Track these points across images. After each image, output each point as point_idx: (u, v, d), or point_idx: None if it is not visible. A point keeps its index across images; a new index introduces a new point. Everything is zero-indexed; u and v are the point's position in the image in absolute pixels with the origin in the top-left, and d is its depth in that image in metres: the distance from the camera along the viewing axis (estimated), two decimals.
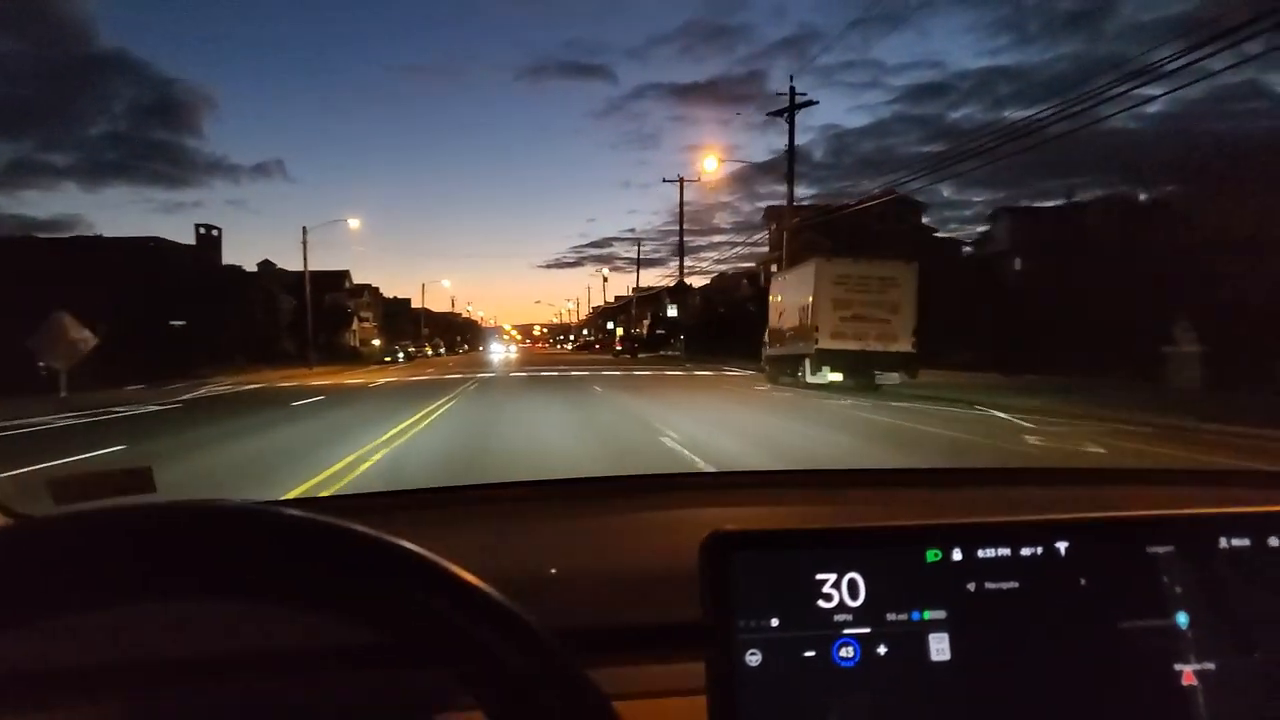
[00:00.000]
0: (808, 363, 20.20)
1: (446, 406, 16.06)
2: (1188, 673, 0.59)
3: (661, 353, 56.48)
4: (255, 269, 53.40)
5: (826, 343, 19.51)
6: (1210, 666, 0.59)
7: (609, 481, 1.42)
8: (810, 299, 19.93)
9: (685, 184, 44.06)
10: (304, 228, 40.92)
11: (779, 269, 29.20)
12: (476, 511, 1.30)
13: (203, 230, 51.46)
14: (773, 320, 24.18)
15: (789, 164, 28.46)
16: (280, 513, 0.42)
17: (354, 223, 43.32)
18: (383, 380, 28.26)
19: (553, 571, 0.93)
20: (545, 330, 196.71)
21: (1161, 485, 1.59)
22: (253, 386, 25.11)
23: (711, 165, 35.34)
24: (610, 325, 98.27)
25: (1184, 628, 0.60)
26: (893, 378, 19.23)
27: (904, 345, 19.28)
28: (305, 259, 41.30)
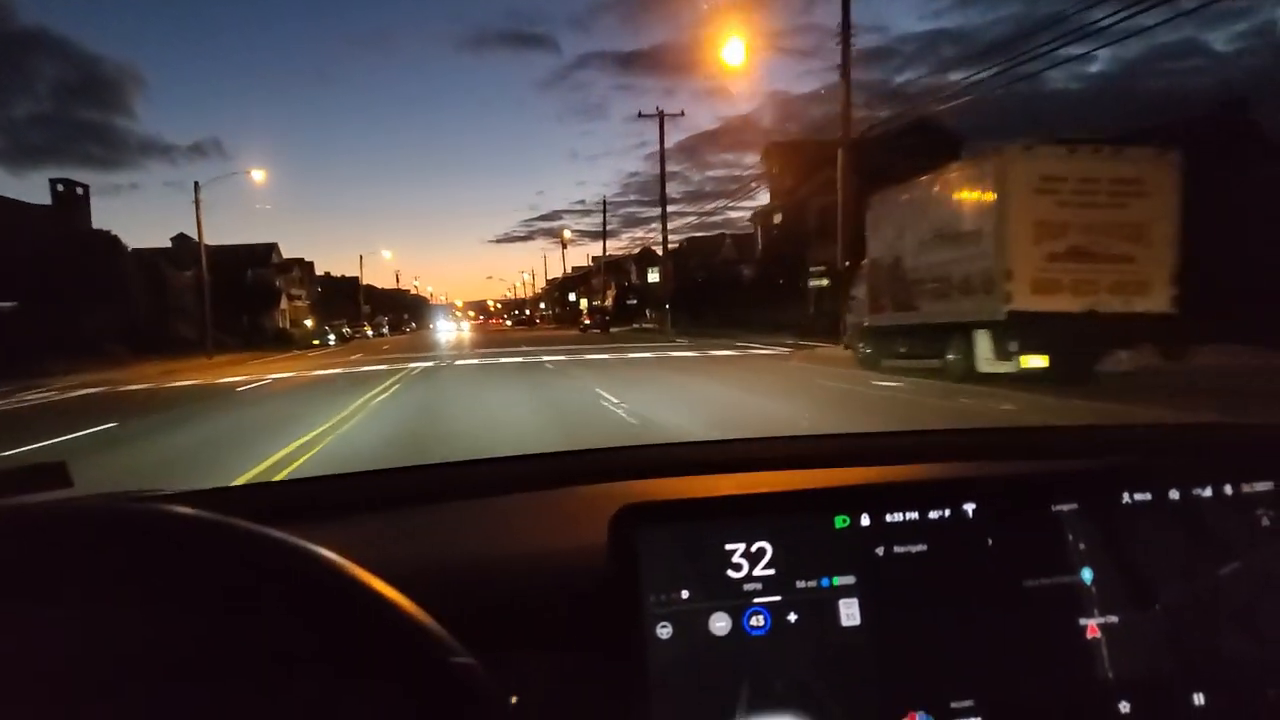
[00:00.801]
0: (982, 339, 11.30)
1: (335, 432, 8.77)
2: (1091, 626, 0.60)
3: (636, 326, 48.99)
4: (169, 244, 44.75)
5: (1026, 299, 10.51)
6: (1114, 620, 0.59)
7: (518, 461, 1.31)
8: (992, 223, 11.01)
9: (629, 152, 36.09)
10: (196, 183, 32.31)
11: (843, 200, 20.24)
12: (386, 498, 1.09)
13: (60, 187, 38.07)
14: (873, 271, 14.93)
15: (843, 50, 20.07)
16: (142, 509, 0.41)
17: (258, 174, 34.71)
18: (278, 374, 20.41)
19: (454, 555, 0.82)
20: (499, 305, 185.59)
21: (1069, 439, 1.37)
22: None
23: (737, 55, 22.18)
24: (572, 297, 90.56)
25: (1088, 583, 0.60)
26: (1126, 359, 10.70)
27: (1158, 300, 10.67)
28: (199, 222, 32.76)
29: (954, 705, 0.57)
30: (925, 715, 0.57)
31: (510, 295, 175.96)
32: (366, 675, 0.42)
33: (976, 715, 0.57)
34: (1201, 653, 0.60)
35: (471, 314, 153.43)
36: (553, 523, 0.91)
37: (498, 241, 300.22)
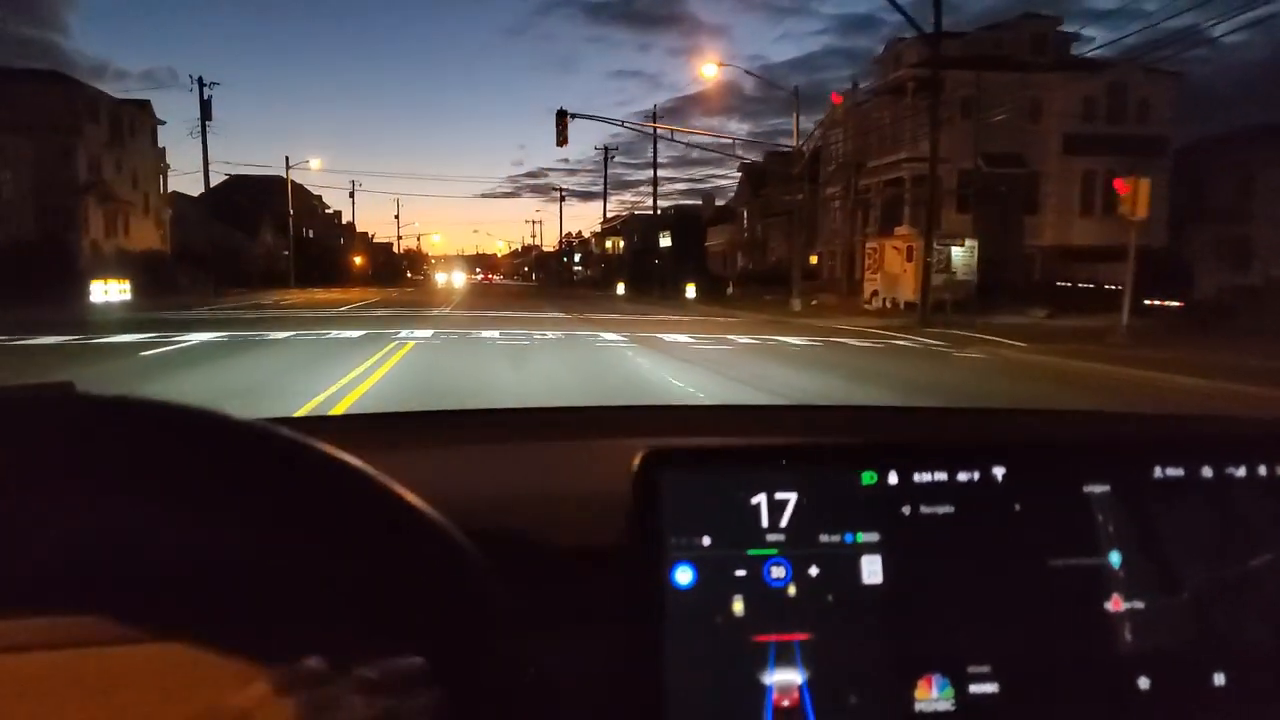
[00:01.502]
0: None
1: None
2: (1116, 605, 0.60)
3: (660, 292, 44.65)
4: None
5: None
6: (1139, 605, 0.59)
7: (555, 412, 1.41)
8: None
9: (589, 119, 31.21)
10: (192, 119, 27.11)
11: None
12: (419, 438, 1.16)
13: None
14: None
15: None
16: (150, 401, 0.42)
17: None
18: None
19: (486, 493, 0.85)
20: (505, 257, 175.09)
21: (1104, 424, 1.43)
22: None
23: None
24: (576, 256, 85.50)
25: (1115, 566, 0.60)
26: None
27: None
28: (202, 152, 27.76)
29: (971, 670, 0.57)
30: (941, 677, 0.57)
31: (505, 249, 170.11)
32: (396, 584, 0.42)
33: (993, 681, 0.57)
34: (1225, 636, 0.60)
35: (478, 271, 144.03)
36: (589, 469, 0.92)
37: (483, 197, 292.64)
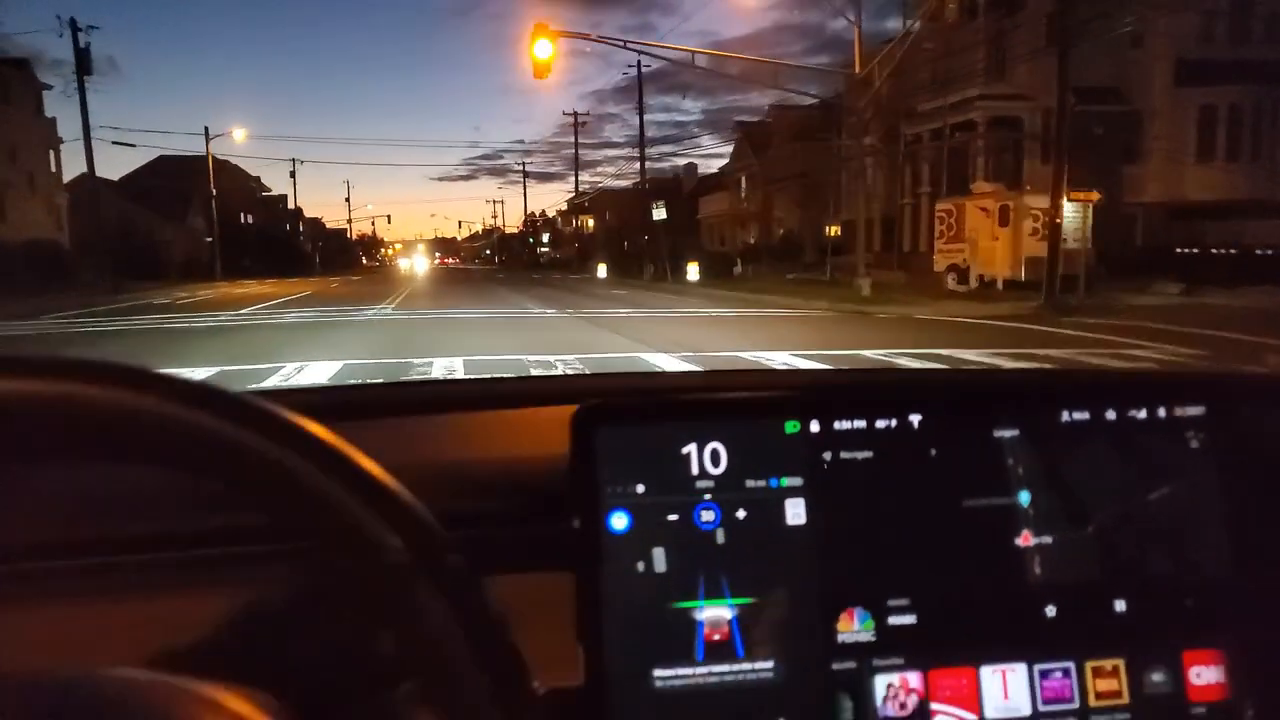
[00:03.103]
0: None
1: None
2: (1025, 540, 0.64)
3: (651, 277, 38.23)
4: None
5: None
6: (1047, 540, 0.63)
7: (499, 382, 1.43)
8: None
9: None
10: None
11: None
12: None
13: None
14: None
15: None
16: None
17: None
18: None
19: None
20: (465, 240, 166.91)
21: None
22: None
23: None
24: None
25: (1025, 505, 0.64)
26: None
27: None
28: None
29: (890, 603, 0.61)
30: (862, 610, 0.61)
31: (458, 236, 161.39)
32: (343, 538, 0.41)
33: (911, 613, 0.61)
34: (1127, 566, 0.64)
35: (437, 255, 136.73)
36: (529, 435, 0.96)
37: (440, 180, 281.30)
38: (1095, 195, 16.95)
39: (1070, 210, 16.85)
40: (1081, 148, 21.56)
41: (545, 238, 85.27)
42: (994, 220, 19.88)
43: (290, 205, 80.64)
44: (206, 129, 43.69)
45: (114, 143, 36.86)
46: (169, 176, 51.06)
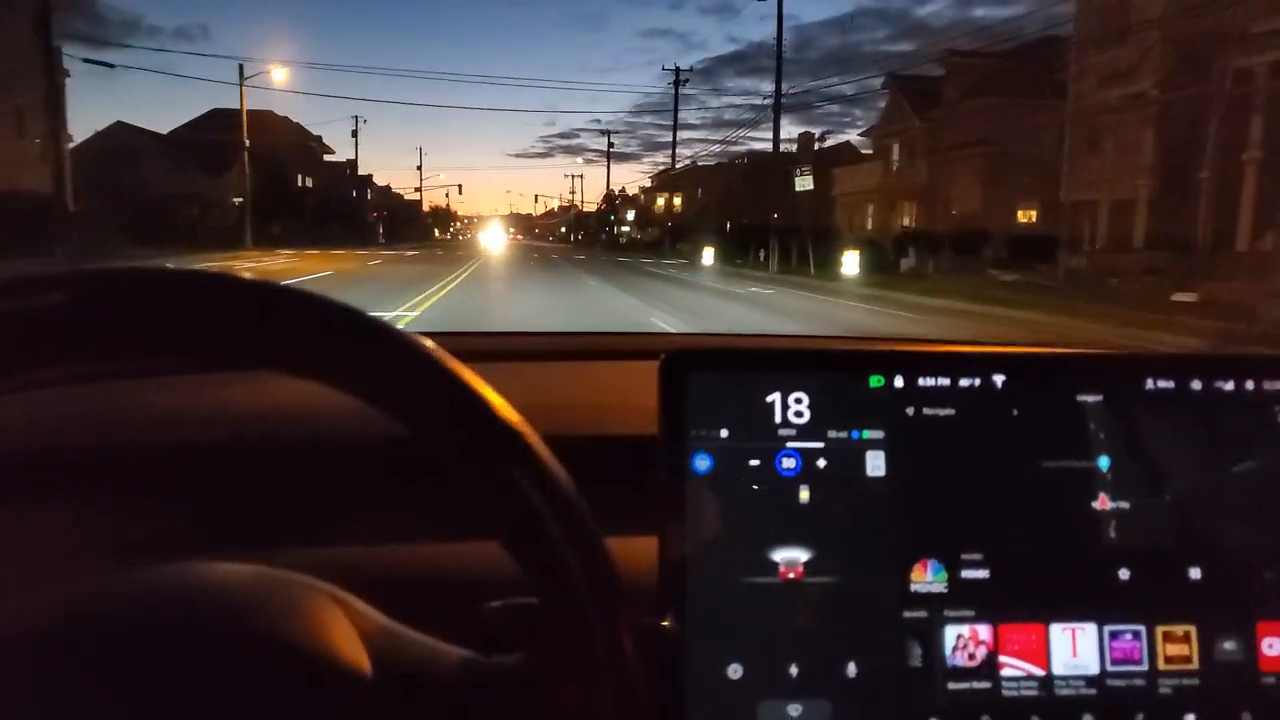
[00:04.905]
0: None
1: None
2: (1102, 503, 0.64)
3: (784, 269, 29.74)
4: None
5: None
6: (1124, 505, 0.64)
7: (589, 335, 1.56)
8: None
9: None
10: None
11: None
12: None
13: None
14: None
15: None
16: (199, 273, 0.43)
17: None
18: None
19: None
20: (540, 216, 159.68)
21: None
22: None
23: None
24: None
25: (1104, 470, 0.65)
26: None
27: None
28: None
29: (964, 557, 0.62)
30: (936, 562, 0.62)
31: (533, 212, 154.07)
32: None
33: (984, 568, 0.62)
34: (1204, 535, 0.64)
35: (512, 230, 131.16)
36: (624, 380, 1.02)
37: (516, 156, 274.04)
38: None
39: None
40: None
41: (630, 215, 77.19)
42: None
43: (353, 167, 74.25)
44: (241, 67, 36.52)
45: (86, 60, 29.49)
46: (223, 131, 44.55)
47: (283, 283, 0.43)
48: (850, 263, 22.84)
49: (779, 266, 27.64)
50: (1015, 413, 0.64)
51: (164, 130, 47.54)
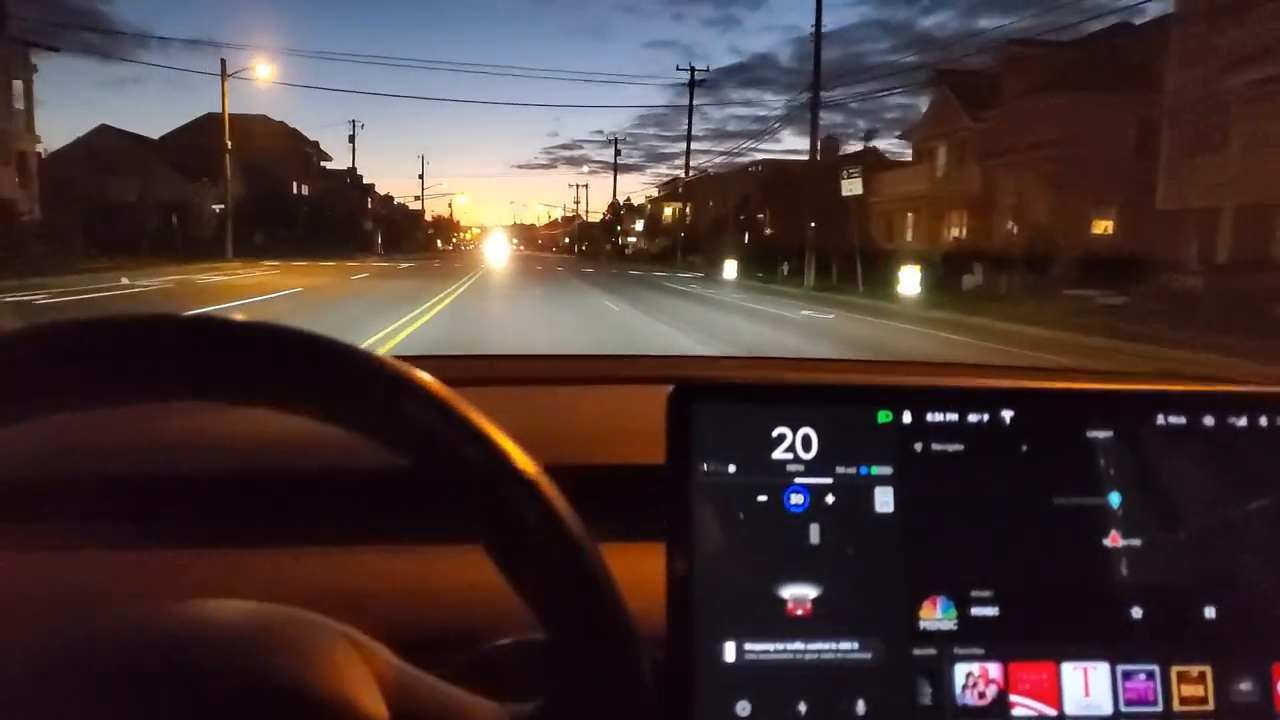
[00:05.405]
0: None
1: None
2: (1114, 540, 0.64)
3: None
4: None
5: None
6: (1136, 543, 0.63)
7: (593, 358, 1.58)
8: None
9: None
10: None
11: None
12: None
13: None
14: None
15: None
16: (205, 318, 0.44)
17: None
18: None
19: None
20: (544, 227, 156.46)
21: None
22: None
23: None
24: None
25: (1115, 507, 0.64)
26: None
27: None
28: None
29: (974, 594, 0.62)
30: (945, 599, 0.62)
31: (537, 222, 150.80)
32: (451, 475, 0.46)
33: (994, 605, 0.62)
34: (1218, 573, 0.63)
35: (515, 241, 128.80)
36: (630, 407, 1.01)
37: (520, 168, 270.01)
38: None
39: None
40: None
41: (639, 225, 74.12)
42: None
43: (354, 175, 71.22)
44: (223, 61, 33.57)
45: (29, 44, 26.48)
46: (216, 136, 41.67)
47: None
48: (910, 280, 19.68)
49: (815, 282, 24.47)
50: (1024, 448, 0.63)
51: (159, 136, 44.79)
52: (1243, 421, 0.64)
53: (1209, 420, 0.64)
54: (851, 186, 23.81)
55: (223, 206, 33.33)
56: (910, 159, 35.15)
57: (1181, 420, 0.64)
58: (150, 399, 0.46)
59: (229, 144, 33.03)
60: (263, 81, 37.16)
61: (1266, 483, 0.64)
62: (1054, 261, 21.38)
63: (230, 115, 40.65)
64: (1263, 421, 0.64)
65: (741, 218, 45.31)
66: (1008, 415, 0.63)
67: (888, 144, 50.02)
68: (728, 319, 16.00)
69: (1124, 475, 0.63)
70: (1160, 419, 0.64)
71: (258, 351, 0.44)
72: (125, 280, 19.44)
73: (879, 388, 0.64)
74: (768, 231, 38.88)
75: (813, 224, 24.86)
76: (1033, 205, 25.23)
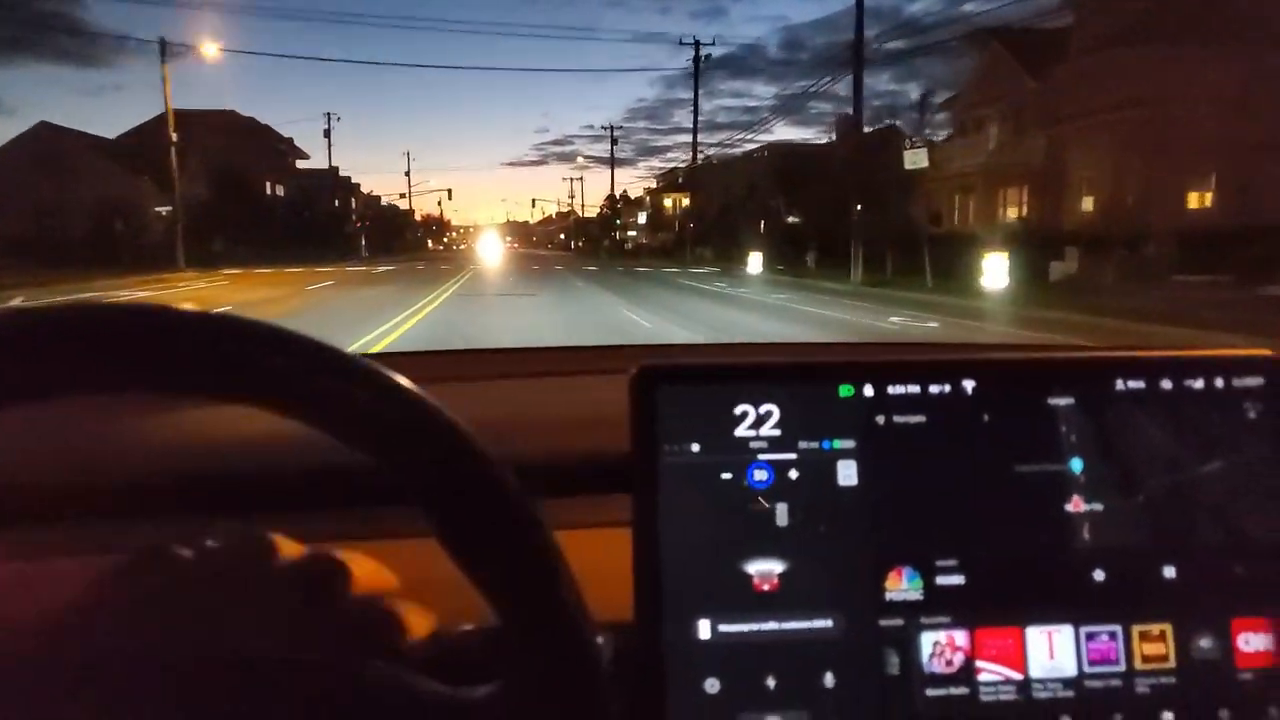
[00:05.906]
0: None
1: None
2: (1075, 506, 0.64)
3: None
4: None
5: None
6: (1098, 507, 0.64)
7: (558, 351, 1.52)
8: None
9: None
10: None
11: None
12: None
13: None
14: None
15: None
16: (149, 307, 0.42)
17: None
18: None
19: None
20: (538, 223, 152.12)
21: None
22: None
23: None
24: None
25: (1076, 473, 0.65)
26: None
27: None
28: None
29: (939, 564, 0.62)
30: (911, 569, 0.62)
31: (530, 219, 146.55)
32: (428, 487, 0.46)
33: (959, 574, 0.62)
34: (1177, 534, 0.65)
35: (509, 239, 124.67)
36: (592, 396, 1.02)
37: (510, 165, 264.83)
38: None
39: None
40: None
41: (642, 218, 70.28)
42: None
43: (334, 172, 67.18)
44: (162, 40, 29.35)
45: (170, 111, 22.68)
46: (179, 134, 37.68)
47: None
48: (996, 271, 15.87)
49: (864, 276, 20.72)
50: (986, 418, 0.64)
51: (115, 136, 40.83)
52: (1199, 384, 0.65)
53: (1167, 384, 0.65)
54: (916, 159, 20.06)
55: (170, 210, 29.37)
56: (947, 135, 31.20)
57: (1140, 384, 0.65)
58: (75, 394, 0.44)
59: (174, 136, 29.00)
60: (212, 60, 33.08)
61: (1222, 444, 0.65)
62: (1147, 242, 17.66)
63: (191, 111, 36.80)
64: (1218, 383, 0.65)
65: (754, 205, 41.47)
66: (969, 385, 0.64)
67: (903, 122, 46.05)
68: (793, 329, 12.24)
69: (1085, 441, 0.64)
70: (1120, 384, 0.65)
71: (185, 338, 0.42)
72: (19, 301, 15.69)
73: (841, 364, 0.64)
74: (790, 219, 34.92)
75: (859, 207, 20.97)
76: (1115, 176, 21.42)
